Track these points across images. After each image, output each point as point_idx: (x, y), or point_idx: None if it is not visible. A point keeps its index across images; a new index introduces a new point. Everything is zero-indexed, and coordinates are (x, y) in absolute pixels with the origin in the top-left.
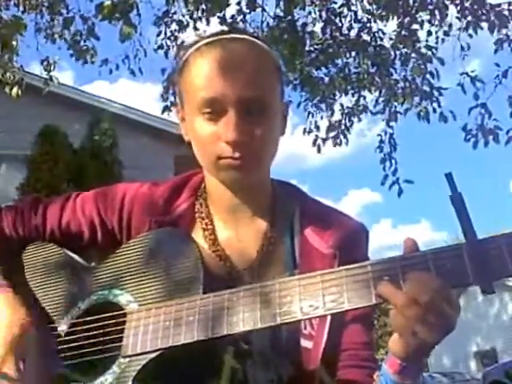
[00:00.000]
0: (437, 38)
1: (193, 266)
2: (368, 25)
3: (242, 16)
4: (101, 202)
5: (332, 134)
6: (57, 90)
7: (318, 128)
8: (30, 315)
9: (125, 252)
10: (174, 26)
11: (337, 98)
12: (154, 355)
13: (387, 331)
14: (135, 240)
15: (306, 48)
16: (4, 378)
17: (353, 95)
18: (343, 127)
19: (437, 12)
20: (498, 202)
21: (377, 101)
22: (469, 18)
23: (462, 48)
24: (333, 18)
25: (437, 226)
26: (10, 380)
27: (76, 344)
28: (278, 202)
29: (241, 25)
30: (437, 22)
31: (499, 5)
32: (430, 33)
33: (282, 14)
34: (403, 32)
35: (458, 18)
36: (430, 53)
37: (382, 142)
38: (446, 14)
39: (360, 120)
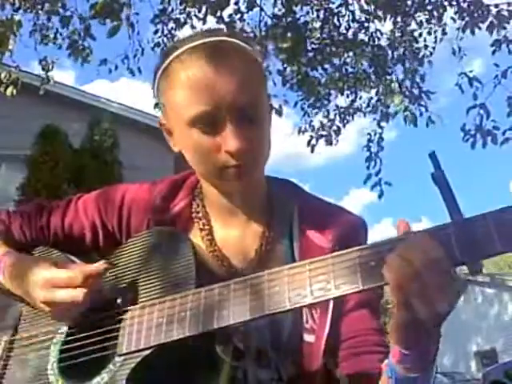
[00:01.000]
0: (435, 38)
1: (186, 263)
2: (366, 25)
3: (239, 15)
4: (101, 204)
5: (324, 133)
6: (57, 89)
7: (313, 128)
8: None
9: (122, 252)
10: (171, 24)
11: (332, 97)
12: (147, 352)
13: (387, 331)
14: (131, 240)
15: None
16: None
17: (348, 96)
18: (335, 127)
19: (435, 12)
20: (498, 201)
21: (370, 101)
22: (467, 19)
23: (460, 49)
24: (330, 17)
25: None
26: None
27: (75, 344)
28: (275, 200)
29: (238, 24)
30: (435, 22)
31: (497, 5)
32: (428, 33)
33: (279, 13)
34: (400, 32)
35: (453, 18)
36: (426, 53)
37: (370, 141)
38: (442, 13)
39: (353, 119)
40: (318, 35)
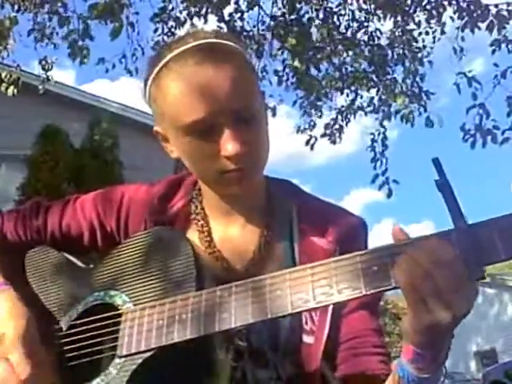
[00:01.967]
0: (434, 37)
1: (186, 264)
2: (365, 24)
3: (239, 14)
4: (100, 205)
5: (328, 132)
6: (57, 89)
7: (312, 127)
8: (30, 311)
9: (120, 252)
10: (171, 23)
11: (333, 96)
12: (148, 355)
13: (387, 331)
14: (129, 240)
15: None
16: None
17: (348, 95)
18: (338, 126)
19: (434, 12)
20: (498, 201)
21: (371, 100)
22: (466, 19)
23: (462, 48)
24: (330, 16)
25: (439, 226)
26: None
27: (74, 346)
28: (274, 200)
29: (238, 23)
30: (434, 22)
31: (496, 5)
32: (426, 32)
33: (279, 12)
34: (399, 31)
35: (451, 18)
36: (420, 55)
37: (374, 141)
38: (442, 13)
39: (355, 118)
40: (321, 33)
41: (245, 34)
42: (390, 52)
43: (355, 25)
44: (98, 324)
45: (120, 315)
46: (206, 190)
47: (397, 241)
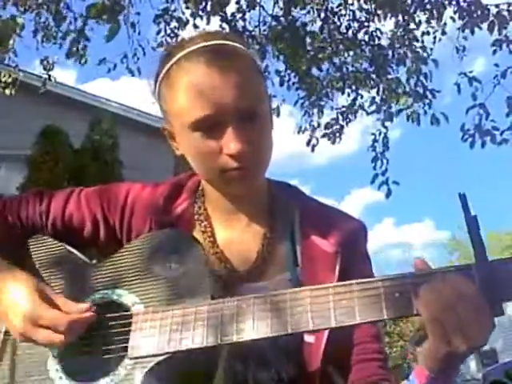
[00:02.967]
0: (434, 37)
1: (200, 271)
2: (366, 24)
3: (241, 14)
4: (105, 199)
5: (328, 132)
6: (57, 89)
7: (313, 127)
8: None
9: (129, 252)
10: (173, 24)
11: (334, 96)
12: (160, 358)
13: (387, 331)
14: (140, 240)
15: (306, 47)
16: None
17: (349, 94)
18: (338, 126)
19: (435, 12)
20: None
21: (373, 100)
22: (466, 19)
23: (463, 48)
24: (331, 17)
25: (440, 225)
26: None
27: (81, 342)
28: (277, 202)
29: (240, 23)
30: (435, 23)
31: (497, 5)
32: (427, 32)
33: (280, 13)
34: (400, 31)
35: (451, 18)
36: (425, 54)
37: (375, 141)
38: (442, 13)
39: (355, 118)
40: (318, 35)
41: (247, 34)
42: (390, 52)
43: (356, 25)
44: (106, 322)
45: (129, 315)
46: (210, 191)
47: (418, 271)
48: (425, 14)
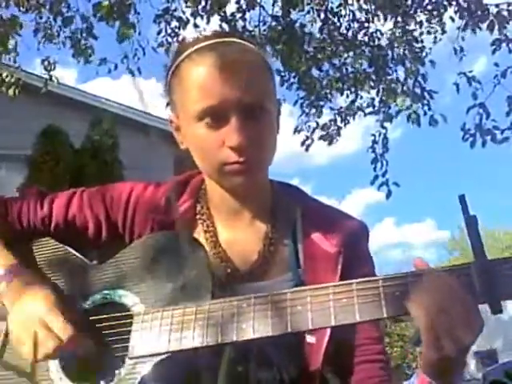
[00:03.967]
0: (435, 37)
1: (202, 272)
2: (366, 24)
3: (241, 14)
4: (107, 198)
5: (325, 133)
6: (57, 89)
7: (309, 127)
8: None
9: (131, 253)
10: (174, 23)
11: (333, 97)
12: (161, 358)
13: (387, 331)
14: (142, 241)
15: (304, 48)
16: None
17: (348, 96)
18: (336, 127)
19: (435, 12)
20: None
21: (372, 101)
22: (467, 19)
23: (461, 48)
24: (331, 17)
25: (441, 225)
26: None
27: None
28: (279, 202)
29: (240, 23)
30: (435, 23)
31: (497, 5)
32: (428, 32)
33: (279, 13)
34: (400, 32)
35: (451, 18)
36: (423, 54)
37: (375, 142)
38: (443, 13)
39: (354, 119)
40: (318, 35)
41: (247, 34)
42: (390, 52)
43: (356, 25)
44: (107, 323)
45: (130, 315)
46: (212, 190)
47: (418, 270)
48: (425, 14)
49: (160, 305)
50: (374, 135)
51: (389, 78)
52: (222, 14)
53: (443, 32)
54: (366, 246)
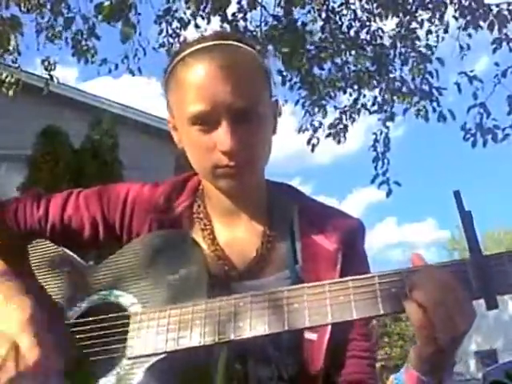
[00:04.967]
0: (437, 37)
1: (198, 271)
2: (367, 23)
3: (242, 14)
4: (104, 199)
5: (333, 131)
6: (58, 89)
7: (314, 126)
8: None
9: (127, 253)
10: (175, 24)
11: (335, 96)
12: (158, 358)
13: (387, 331)
14: (138, 241)
15: (306, 47)
16: None
17: (351, 94)
18: (342, 126)
19: (436, 11)
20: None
21: (375, 99)
22: (468, 18)
23: (462, 47)
24: (332, 16)
25: (442, 225)
26: None
27: (79, 343)
28: (275, 201)
29: (241, 23)
30: (436, 22)
31: (498, 5)
32: (429, 31)
33: (281, 13)
34: (402, 31)
35: (455, 17)
36: (429, 52)
37: (376, 141)
38: (444, 12)
39: (358, 117)
40: (320, 34)
41: (248, 34)
42: (392, 51)
43: (357, 24)
44: (104, 323)
45: (127, 316)
46: (209, 190)
47: (415, 266)
48: (427, 13)
49: (157, 304)
50: (375, 134)
51: (392, 76)
52: (223, 15)
53: (445, 31)
54: (362, 243)
